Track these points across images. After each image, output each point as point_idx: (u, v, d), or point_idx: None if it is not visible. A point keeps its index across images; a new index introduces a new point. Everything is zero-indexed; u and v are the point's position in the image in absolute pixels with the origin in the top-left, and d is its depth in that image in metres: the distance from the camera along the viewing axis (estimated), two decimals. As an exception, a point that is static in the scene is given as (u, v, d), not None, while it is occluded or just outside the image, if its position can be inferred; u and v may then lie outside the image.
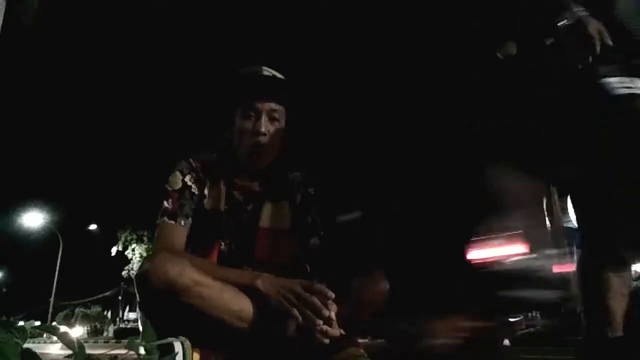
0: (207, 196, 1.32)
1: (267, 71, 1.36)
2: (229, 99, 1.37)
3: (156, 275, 1.03)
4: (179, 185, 1.30)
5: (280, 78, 1.36)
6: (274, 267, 1.33)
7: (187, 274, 1.05)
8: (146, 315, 1.09)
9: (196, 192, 1.31)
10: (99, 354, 0.87)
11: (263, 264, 1.31)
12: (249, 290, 1.11)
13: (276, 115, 1.33)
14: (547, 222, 9.19)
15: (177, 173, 1.32)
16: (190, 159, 1.35)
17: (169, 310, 1.06)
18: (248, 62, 1.38)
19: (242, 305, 1.09)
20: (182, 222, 1.26)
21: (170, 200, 1.28)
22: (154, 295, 1.05)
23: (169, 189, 1.30)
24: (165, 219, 1.25)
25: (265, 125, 1.30)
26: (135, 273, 1.11)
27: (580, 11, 1.44)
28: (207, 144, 1.46)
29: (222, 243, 1.31)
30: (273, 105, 1.32)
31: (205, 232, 1.28)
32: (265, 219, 1.35)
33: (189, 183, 1.31)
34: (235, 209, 1.36)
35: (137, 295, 1.10)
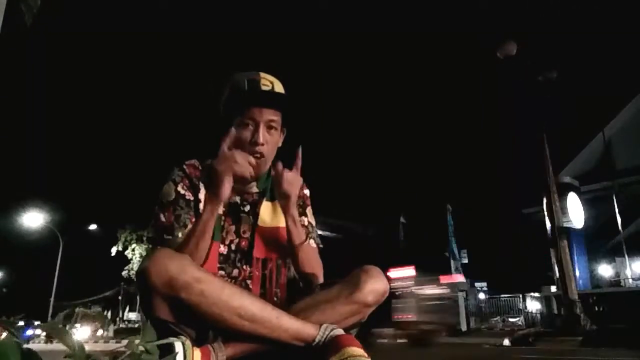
0: (202, 200, 1.32)
1: (265, 79, 1.35)
2: (226, 105, 1.36)
3: (157, 272, 1.03)
4: (173, 195, 1.30)
5: (278, 92, 1.35)
6: (272, 264, 1.35)
7: (188, 270, 1.05)
8: (147, 312, 1.09)
9: (191, 198, 1.32)
10: (99, 354, 0.87)
11: (261, 261, 1.33)
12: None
13: (274, 124, 1.33)
14: (548, 222, 9.19)
15: (170, 183, 1.32)
16: (184, 166, 1.35)
17: (169, 307, 1.06)
18: (246, 65, 1.38)
19: (242, 302, 1.09)
20: (180, 234, 1.26)
21: (166, 213, 1.28)
22: (155, 292, 1.05)
23: (164, 200, 1.30)
24: (164, 235, 1.25)
25: (264, 136, 1.30)
26: (136, 270, 1.11)
27: None
28: (204, 148, 1.45)
29: (222, 245, 1.32)
30: (271, 115, 1.32)
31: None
32: (263, 218, 1.36)
33: (182, 191, 1.31)
34: (233, 210, 1.36)
35: (138, 292, 1.10)
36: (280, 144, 1.40)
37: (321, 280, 1.36)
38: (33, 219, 22.93)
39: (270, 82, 1.35)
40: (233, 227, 1.35)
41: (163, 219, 1.27)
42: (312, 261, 1.37)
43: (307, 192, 1.51)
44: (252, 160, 1.25)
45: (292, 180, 1.32)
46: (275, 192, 1.36)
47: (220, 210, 1.31)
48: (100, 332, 20.49)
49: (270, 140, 1.32)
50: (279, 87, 1.37)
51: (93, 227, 25.85)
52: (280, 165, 1.33)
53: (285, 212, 1.34)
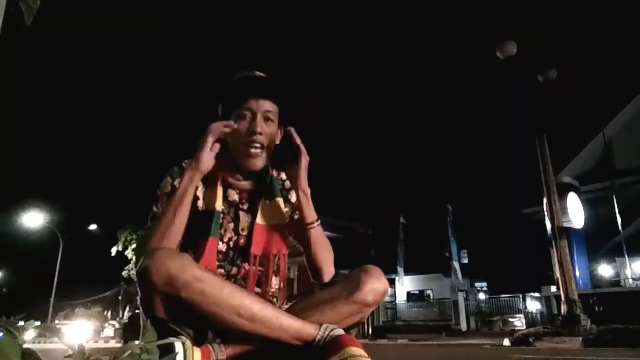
0: (199, 197, 1.34)
1: (261, 75, 1.39)
2: (223, 100, 1.39)
3: (157, 271, 1.03)
4: (169, 189, 1.32)
5: (272, 81, 1.39)
6: (270, 262, 1.36)
7: (188, 269, 1.05)
8: (147, 312, 1.09)
9: None
10: (98, 354, 0.87)
11: (259, 258, 1.34)
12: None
13: (270, 115, 1.35)
14: (548, 222, 9.20)
15: (168, 178, 1.35)
16: (183, 164, 1.36)
17: (170, 306, 1.06)
18: (242, 66, 1.42)
19: (242, 301, 1.09)
20: None
21: (159, 204, 1.31)
22: (155, 291, 1.05)
23: (159, 193, 1.33)
24: (155, 222, 1.27)
25: (261, 125, 1.32)
26: (136, 269, 1.12)
27: None
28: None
29: (220, 241, 1.32)
30: (267, 106, 1.34)
31: (202, 232, 1.28)
32: (261, 216, 1.37)
33: (178, 186, 1.32)
34: (232, 207, 1.37)
35: (139, 291, 1.10)
36: (278, 141, 1.42)
37: (331, 266, 1.37)
38: (33, 219, 22.96)
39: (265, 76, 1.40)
40: (232, 225, 1.36)
41: (156, 209, 1.30)
42: (323, 245, 1.38)
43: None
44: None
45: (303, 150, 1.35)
46: (290, 157, 1.37)
47: (220, 207, 1.32)
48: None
49: (267, 132, 1.34)
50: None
51: (93, 227, 25.88)
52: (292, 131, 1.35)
53: (298, 185, 1.35)
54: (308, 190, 1.37)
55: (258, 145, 1.32)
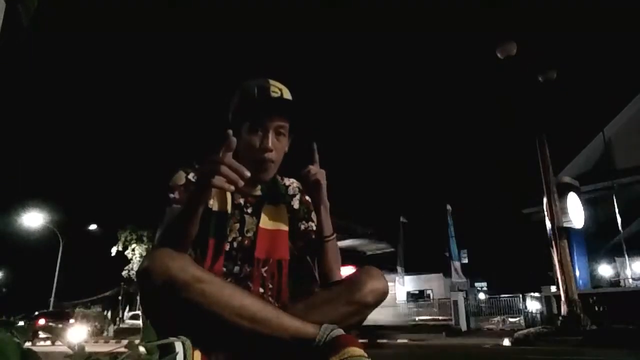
0: (211, 197, 1.32)
1: (274, 85, 1.37)
2: (234, 111, 1.39)
3: (157, 271, 1.03)
4: (183, 181, 1.33)
5: (287, 99, 1.37)
6: (273, 265, 1.36)
7: (189, 270, 1.05)
8: (147, 312, 1.09)
9: None
10: (99, 354, 0.87)
11: (262, 262, 1.35)
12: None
13: (282, 130, 1.35)
14: (548, 222, 9.20)
15: (181, 172, 1.35)
16: (194, 163, 1.37)
17: (170, 306, 1.06)
18: (254, 70, 1.40)
19: (242, 302, 1.09)
20: None
21: (176, 192, 1.30)
22: (155, 292, 1.05)
23: (172, 184, 1.33)
24: (174, 205, 1.27)
25: (273, 141, 1.33)
26: (136, 270, 1.12)
27: None
28: (211, 150, 1.47)
29: (227, 243, 1.33)
30: (280, 121, 1.34)
31: (212, 232, 1.29)
32: (265, 221, 1.38)
33: (193, 180, 1.33)
34: (237, 210, 1.38)
35: (138, 292, 1.10)
36: (286, 149, 1.42)
37: (340, 274, 1.39)
38: (33, 219, 22.95)
39: (279, 89, 1.37)
40: (237, 226, 1.36)
41: (174, 195, 1.29)
42: (336, 256, 1.40)
43: (308, 198, 1.52)
44: (246, 172, 1.12)
45: (317, 171, 1.36)
46: (305, 188, 1.41)
47: (229, 209, 1.33)
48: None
49: (278, 146, 1.35)
50: (287, 94, 1.39)
51: (93, 227, 25.87)
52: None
53: (320, 202, 1.37)
54: (327, 204, 1.38)
55: (268, 161, 1.33)
